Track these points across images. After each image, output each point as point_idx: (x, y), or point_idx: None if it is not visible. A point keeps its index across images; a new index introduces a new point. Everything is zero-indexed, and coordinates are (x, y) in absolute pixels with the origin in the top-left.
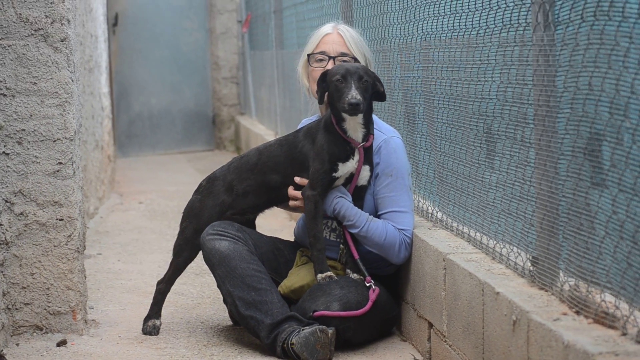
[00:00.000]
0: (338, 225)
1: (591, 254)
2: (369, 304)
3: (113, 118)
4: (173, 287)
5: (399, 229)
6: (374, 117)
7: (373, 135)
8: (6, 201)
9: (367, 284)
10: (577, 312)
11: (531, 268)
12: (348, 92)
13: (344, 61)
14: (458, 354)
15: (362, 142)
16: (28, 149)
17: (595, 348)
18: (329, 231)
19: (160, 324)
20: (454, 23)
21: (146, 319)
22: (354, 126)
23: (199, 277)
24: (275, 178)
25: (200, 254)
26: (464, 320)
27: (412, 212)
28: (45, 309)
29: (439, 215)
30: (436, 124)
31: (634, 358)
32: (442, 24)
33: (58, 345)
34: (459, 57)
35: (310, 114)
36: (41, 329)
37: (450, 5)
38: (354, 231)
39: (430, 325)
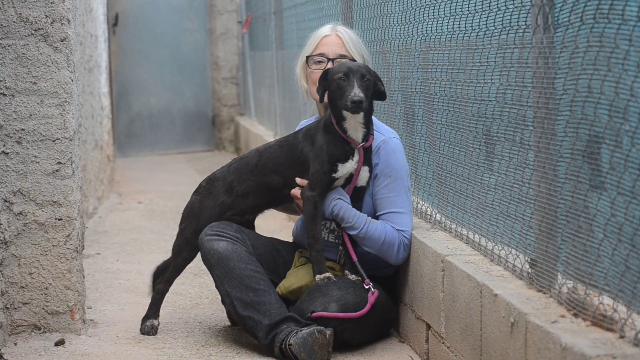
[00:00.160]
0: (337, 226)
1: (589, 257)
2: (368, 306)
3: (113, 118)
4: (171, 288)
5: (397, 229)
6: (373, 118)
7: (373, 135)
8: (5, 200)
9: (366, 287)
10: (575, 315)
11: (529, 270)
12: (351, 90)
13: None
14: (456, 355)
15: (362, 142)
16: (27, 148)
17: (593, 350)
18: (327, 232)
19: (159, 324)
20: (453, 25)
21: (144, 319)
22: (354, 125)
23: (197, 277)
24: (275, 179)
25: (198, 255)
26: (462, 322)
27: (410, 213)
28: (43, 308)
29: (438, 216)
30: (435, 126)
31: None
32: (441, 26)
33: (56, 344)
34: (458, 59)
35: (309, 115)
36: (39, 329)
37: (450, 7)
38: (352, 233)
39: (428, 326)
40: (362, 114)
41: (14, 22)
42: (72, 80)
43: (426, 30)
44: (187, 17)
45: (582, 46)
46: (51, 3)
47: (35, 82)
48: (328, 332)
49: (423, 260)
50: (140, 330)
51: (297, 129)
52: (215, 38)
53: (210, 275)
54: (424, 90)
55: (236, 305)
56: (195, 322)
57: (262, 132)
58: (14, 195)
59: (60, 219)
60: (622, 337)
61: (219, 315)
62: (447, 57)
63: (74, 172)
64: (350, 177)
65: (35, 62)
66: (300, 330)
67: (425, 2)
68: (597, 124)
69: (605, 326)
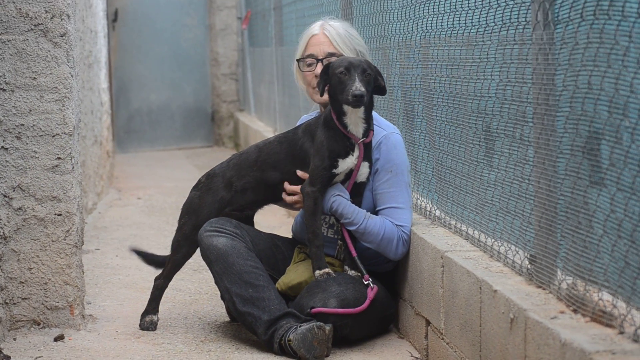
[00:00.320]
0: (336, 221)
1: (589, 253)
2: (367, 302)
3: (112, 114)
4: (171, 283)
5: (396, 225)
6: (374, 113)
7: (373, 131)
8: (5, 196)
9: (365, 282)
10: (575, 311)
11: (529, 266)
12: (352, 84)
13: None
14: (455, 351)
15: (363, 137)
16: (27, 143)
17: (593, 346)
18: (326, 228)
19: (158, 320)
20: (453, 21)
21: (144, 315)
22: (355, 120)
23: (196, 273)
24: (275, 175)
25: (198, 250)
26: (461, 317)
27: (410, 208)
28: (42, 303)
29: (437, 212)
30: (435, 122)
31: (631, 357)
32: (441, 22)
33: (55, 340)
34: (458, 55)
35: (312, 110)
36: (39, 324)
37: (450, 3)
38: (351, 228)
39: (428, 322)
40: (362, 108)
41: (13, 17)
42: (71, 76)
43: (426, 27)
44: (186, 13)
45: (582, 42)
46: None
47: (34, 78)
48: (327, 327)
49: (422, 256)
50: (140, 325)
51: (297, 123)
52: (214, 34)
53: (209, 271)
54: (424, 86)
55: (235, 301)
56: (194, 318)
57: (261, 128)
58: (14, 191)
59: (60, 215)
60: (621, 333)
61: (219, 311)
62: (447, 54)
63: (73, 168)
64: (350, 173)
65: (35, 58)
66: (300, 326)
67: None
68: (597, 120)
69: (604, 322)
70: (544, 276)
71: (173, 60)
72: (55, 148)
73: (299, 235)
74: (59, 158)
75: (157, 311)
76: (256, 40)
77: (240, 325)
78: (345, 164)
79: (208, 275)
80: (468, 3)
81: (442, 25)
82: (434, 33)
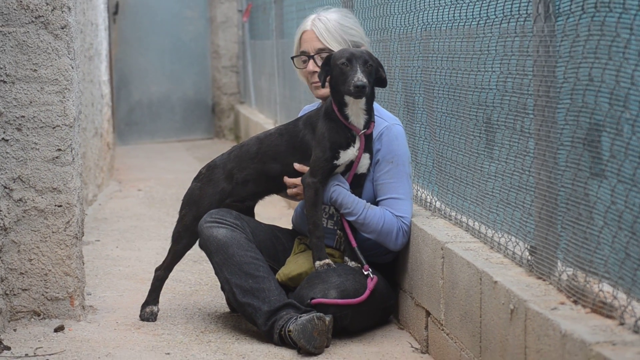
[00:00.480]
0: (336, 211)
1: (589, 244)
2: (367, 292)
3: (113, 106)
4: (171, 274)
5: (396, 215)
6: (376, 104)
7: (374, 122)
8: (5, 187)
9: (365, 273)
10: (575, 302)
11: (529, 257)
12: (354, 75)
13: (323, 57)
14: (455, 342)
15: (364, 129)
16: (27, 135)
17: (593, 337)
18: (326, 219)
19: (158, 311)
20: (454, 13)
21: (144, 306)
22: (356, 111)
23: (197, 264)
24: (276, 167)
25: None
26: (461, 308)
27: (411, 199)
28: (43, 294)
29: (438, 204)
30: (436, 114)
31: (631, 348)
32: (442, 14)
33: (55, 331)
34: (459, 47)
35: (315, 100)
36: (39, 315)
37: None
38: (351, 219)
39: (428, 313)
40: (364, 99)
41: (14, 9)
42: (72, 68)
43: (427, 19)
44: (187, 6)
45: (583, 35)
46: None
47: (35, 70)
48: (327, 318)
49: (423, 248)
50: (140, 316)
51: (300, 114)
52: (215, 26)
53: (209, 262)
54: (425, 78)
55: (235, 292)
56: (194, 309)
57: (262, 121)
58: (14, 182)
59: (60, 206)
60: (621, 324)
61: (219, 301)
62: (447, 46)
63: (73, 159)
64: (351, 164)
65: (36, 50)
66: (300, 317)
67: None
68: (598, 112)
69: (605, 313)
70: (545, 267)
71: (174, 52)
72: (56, 140)
73: (299, 226)
74: (60, 150)
75: (158, 302)
76: (257, 32)
77: (240, 316)
78: (346, 155)
79: (208, 266)
80: None
81: (443, 18)
82: (434, 25)
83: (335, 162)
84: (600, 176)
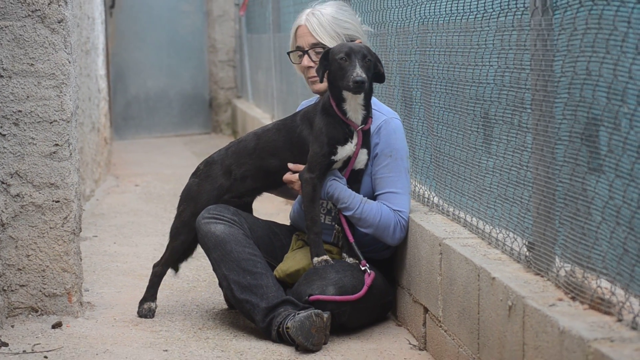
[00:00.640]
0: (333, 207)
1: (587, 240)
2: (365, 288)
3: (110, 100)
4: (169, 270)
5: (394, 210)
6: (374, 99)
7: (372, 118)
8: (2, 182)
9: (362, 268)
10: (573, 298)
11: (527, 253)
12: (352, 70)
13: (318, 52)
14: (453, 339)
15: (362, 124)
16: (24, 130)
17: (591, 334)
18: (323, 214)
19: (156, 307)
20: (451, 7)
21: (142, 302)
22: (354, 107)
23: (194, 260)
24: (274, 162)
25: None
26: (459, 305)
27: (409, 194)
28: (40, 290)
29: (436, 199)
30: (433, 108)
31: (630, 344)
32: (439, 8)
33: (53, 327)
34: (456, 41)
35: (312, 95)
36: (36, 311)
37: None
38: (348, 214)
39: (426, 310)
40: (362, 95)
41: (11, 3)
42: (69, 62)
43: (424, 13)
44: (184, 0)
45: (580, 28)
46: None
47: (32, 64)
48: (325, 315)
49: (420, 244)
50: (138, 313)
51: (297, 109)
52: (212, 20)
53: (207, 259)
54: (422, 73)
55: (233, 289)
56: (192, 305)
57: (259, 115)
58: (11, 177)
59: (58, 201)
60: (619, 320)
61: (217, 298)
62: (445, 40)
63: (71, 154)
64: (349, 160)
65: (33, 44)
66: (298, 314)
67: None
68: (596, 107)
69: (603, 309)
70: (543, 263)
71: (170, 47)
72: (53, 135)
73: (297, 222)
74: (57, 145)
75: (155, 298)
76: (254, 26)
77: (239, 312)
78: (344, 151)
79: (206, 263)
80: None
81: (440, 12)
82: (432, 19)
83: (332, 157)
84: (598, 171)
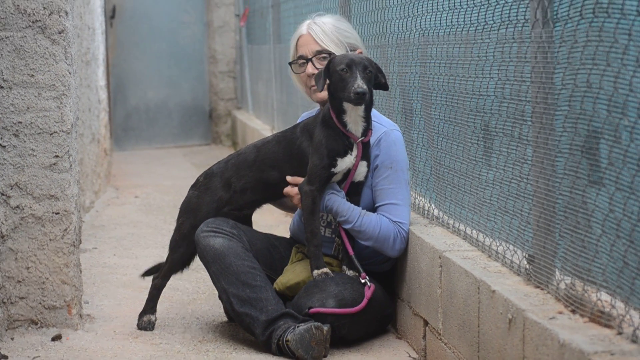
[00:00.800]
0: (333, 219)
1: (588, 253)
2: (365, 301)
3: (110, 111)
4: (168, 283)
5: (394, 221)
6: (374, 111)
7: (372, 130)
8: (2, 194)
9: (362, 281)
10: (573, 311)
11: (527, 266)
12: (353, 81)
13: (323, 57)
14: (453, 352)
15: (362, 136)
16: (25, 141)
17: (591, 347)
18: (324, 227)
19: (156, 319)
20: (452, 19)
21: (141, 314)
22: (354, 119)
23: (194, 272)
24: (274, 175)
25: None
26: (459, 318)
27: (409, 205)
28: (40, 303)
29: (435, 212)
30: (433, 121)
31: (630, 357)
32: (440, 20)
33: (53, 339)
34: (457, 53)
35: (312, 107)
36: (36, 324)
37: (449, 1)
38: (347, 226)
39: (426, 323)
40: (363, 106)
41: (11, 13)
42: (69, 73)
43: (425, 25)
44: (184, 10)
45: (581, 41)
46: None
47: (32, 75)
48: (325, 328)
49: (420, 256)
50: (137, 325)
51: (298, 121)
52: (212, 31)
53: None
54: (422, 84)
55: (233, 302)
56: (192, 318)
57: (259, 126)
58: (11, 189)
59: (58, 213)
60: (620, 333)
61: (216, 310)
62: (445, 52)
63: (71, 166)
64: (348, 172)
65: (33, 55)
66: (298, 327)
67: None
68: (596, 119)
69: (603, 322)
70: (543, 276)
71: (171, 57)
72: (53, 146)
73: (297, 234)
74: (57, 156)
75: (155, 311)
76: (254, 37)
77: (238, 325)
78: (344, 163)
79: (206, 275)
80: (467, 1)
81: (440, 23)
82: (432, 31)
83: (332, 169)
84: (598, 184)
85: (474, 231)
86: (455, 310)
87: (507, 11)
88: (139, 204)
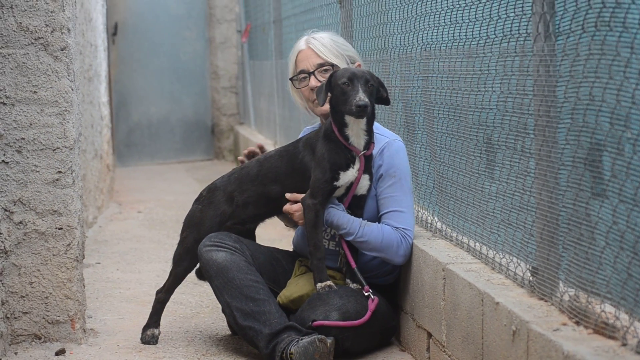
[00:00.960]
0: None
1: (591, 265)
2: (368, 314)
3: (112, 127)
4: (172, 297)
5: (396, 227)
6: (376, 123)
7: (374, 143)
8: (5, 210)
9: (366, 294)
10: (577, 323)
11: (531, 278)
12: (355, 94)
13: (325, 70)
14: None
15: (364, 150)
16: (28, 157)
17: (595, 359)
18: (327, 240)
19: (159, 333)
20: (454, 33)
21: (145, 328)
22: (357, 132)
23: (197, 286)
24: (276, 189)
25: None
26: (463, 330)
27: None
28: (44, 317)
29: (439, 225)
30: (436, 134)
31: None
32: (442, 34)
33: (57, 354)
34: (459, 67)
35: (313, 121)
36: (40, 338)
37: (451, 15)
38: (349, 238)
39: (430, 335)
40: (365, 120)
41: (14, 31)
42: (72, 90)
43: (427, 39)
44: (186, 27)
45: (583, 54)
46: (51, 12)
47: (35, 91)
48: (329, 340)
49: (424, 269)
50: (141, 339)
51: (300, 135)
52: (214, 47)
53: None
54: (425, 98)
55: (236, 316)
56: (195, 331)
57: (261, 142)
58: (14, 205)
59: (61, 228)
60: (624, 345)
61: (220, 324)
62: (447, 66)
63: (74, 181)
64: (351, 185)
65: (36, 71)
66: (301, 339)
67: (426, 10)
68: (599, 132)
69: (607, 334)
70: (546, 288)
71: (173, 73)
72: (56, 162)
73: (301, 248)
74: (60, 172)
75: (159, 325)
76: (256, 53)
77: (242, 338)
78: (346, 177)
79: (209, 289)
80: (469, 15)
81: (442, 38)
82: (434, 45)
83: (335, 183)
84: (601, 196)
85: (477, 244)
86: (459, 323)
87: (509, 25)
88: (141, 219)
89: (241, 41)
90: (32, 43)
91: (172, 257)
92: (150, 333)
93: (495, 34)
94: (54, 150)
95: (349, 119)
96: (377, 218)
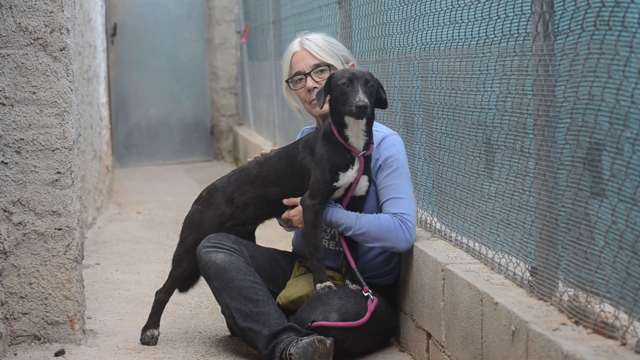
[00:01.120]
0: (335, 230)
1: (590, 264)
2: (368, 314)
3: (111, 128)
4: (171, 297)
5: (393, 213)
6: (374, 122)
7: (373, 144)
8: (5, 210)
9: (365, 294)
10: (577, 322)
11: (530, 278)
12: (355, 95)
13: (321, 70)
14: None
15: (363, 150)
16: (27, 158)
17: (595, 358)
18: (327, 240)
19: (159, 334)
20: (453, 33)
21: (144, 329)
22: (356, 133)
23: (196, 287)
24: (276, 190)
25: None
26: (462, 330)
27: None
28: (43, 318)
29: (438, 225)
30: (435, 134)
31: None
32: (441, 34)
33: (56, 355)
34: (458, 67)
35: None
36: (39, 339)
37: (450, 15)
38: (349, 233)
39: (429, 335)
40: (364, 120)
41: (13, 31)
42: (71, 90)
43: (426, 39)
44: (185, 27)
45: (582, 53)
46: (50, 13)
47: (34, 92)
48: (328, 341)
49: (423, 269)
50: (140, 340)
51: (299, 135)
52: (213, 48)
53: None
54: (424, 98)
55: (235, 317)
56: (195, 332)
57: (260, 142)
58: (14, 205)
59: (60, 229)
60: (623, 344)
61: (219, 325)
62: (446, 66)
63: (73, 182)
64: (350, 186)
65: (35, 72)
66: (301, 340)
67: (425, 10)
68: (598, 131)
69: (606, 334)
70: (546, 288)
71: (172, 74)
72: (55, 162)
73: (300, 248)
74: (59, 172)
75: (158, 325)
76: (255, 54)
77: (241, 339)
78: (346, 177)
79: (208, 290)
80: (468, 15)
81: (441, 38)
82: (433, 45)
83: (334, 184)
84: (600, 196)
85: (476, 244)
86: (458, 323)
87: (508, 25)
88: (141, 220)
89: (240, 42)
90: (31, 43)
91: (171, 258)
92: (149, 334)
93: (494, 33)
94: (53, 150)
95: (348, 119)
96: (377, 212)
